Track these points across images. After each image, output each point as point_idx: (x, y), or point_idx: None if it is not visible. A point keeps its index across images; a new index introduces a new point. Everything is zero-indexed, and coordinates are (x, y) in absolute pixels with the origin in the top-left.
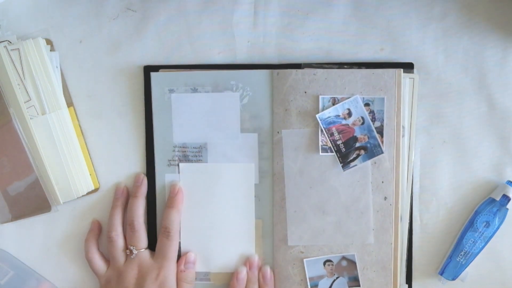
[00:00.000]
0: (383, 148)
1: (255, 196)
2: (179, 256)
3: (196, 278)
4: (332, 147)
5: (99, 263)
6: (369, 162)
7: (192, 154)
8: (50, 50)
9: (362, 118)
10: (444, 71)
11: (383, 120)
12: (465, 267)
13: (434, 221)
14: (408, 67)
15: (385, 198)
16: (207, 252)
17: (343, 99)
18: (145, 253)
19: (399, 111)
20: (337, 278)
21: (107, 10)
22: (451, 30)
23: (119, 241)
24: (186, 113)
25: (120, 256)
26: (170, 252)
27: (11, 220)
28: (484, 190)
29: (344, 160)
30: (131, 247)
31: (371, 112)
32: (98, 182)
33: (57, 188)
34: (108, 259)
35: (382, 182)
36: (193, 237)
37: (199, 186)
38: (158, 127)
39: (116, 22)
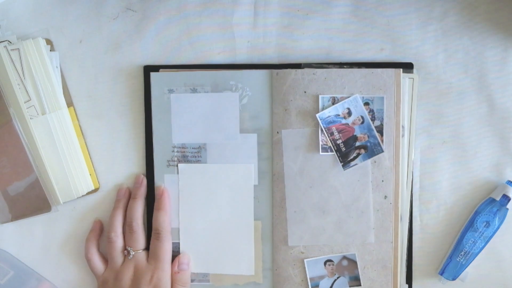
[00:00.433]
0: (383, 147)
1: (254, 197)
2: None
3: (195, 279)
4: (332, 146)
5: (98, 263)
6: (369, 161)
7: (191, 154)
8: (50, 50)
9: (362, 117)
10: (444, 71)
11: (382, 119)
12: (465, 267)
13: (434, 221)
14: (408, 67)
15: (385, 197)
16: (206, 253)
17: (342, 98)
18: (142, 255)
19: (398, 110)
20: (338, 278)
21: (107, 10)
22: (451, 30)
23: (118, 242)
24: (186, 113)
25: (118, 257)
26: (162, 253)
27: (11, 220)
28: (484, 190)
29: (344, 159)
30: (129, 248)
31: (371, 111)
32: (98, 182)
33: (57, 188)
34: (107, 259)
35: (382, 181)
36: (192, 238)
37: (198, 187)
38: (157, 128)
39: (116, 22)
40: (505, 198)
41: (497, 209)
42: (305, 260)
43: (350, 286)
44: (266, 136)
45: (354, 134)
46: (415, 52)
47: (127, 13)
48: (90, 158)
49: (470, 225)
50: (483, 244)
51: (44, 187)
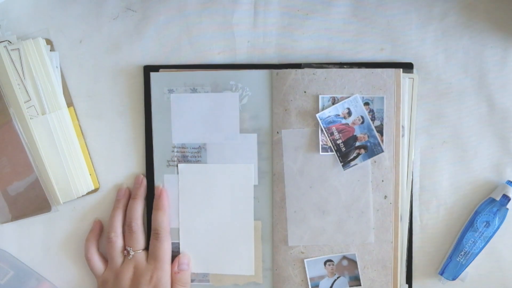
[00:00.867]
0: (383, 147)
1: (254, 197)
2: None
3: (195, 280)
4: (332, 146)
5: (97, 263)
6: (369, 161)
7: (191, 154)
8: (50, 50)
9: (362, 117)
10: (444, 71)
11: (383, 119)
12: (465, 267)
13: (434, 221)
14: (408, 67)
15: (385, 197)
16: (206, 254)
17: (342, 98)
18: (141, 255)
19: (398, 110)
20: (338, 278)
21: (107, 10)
22: (451, 30)
23: (118, 242)
24: (186, 113)
25: (117, 257)
26: (161, 253)
27: (11, 220)
28: (484, 190)
29: (344, 159)
30: (128, 248)
31: (371, 111)
32: (98, 182)
33: (57, 188)
34: (107, 259)
35: (382, 181)
36: (192, 238)
37: (198, 187)
38: (157, 128)
39: (116, 22)
40: (505, 198)
41: (497, 209)
42: (305, 260)
43: (350, 286)
44: (266, 136)
45: (354, 134)
46: (415, 52)
47: (127, 13)
48: (90, 158)
49: (470, 225)
50: (483, 244)
51: (44, 187)
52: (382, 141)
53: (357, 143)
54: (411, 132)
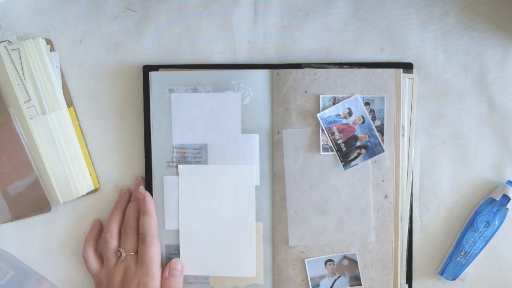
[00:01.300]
0: (384, 147)
1: (255, 198)
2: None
3: (195, 282)
4: (332, 146)
5: (93, 263)
6: (369, 161)
7: (191, 155)
8: (50, 50)
9: (363, 117)
10: (444, 71)
11: (383, 119)
12: (465, 267)
13: (434, 221)
14: (408, 67)
15: (386, 196)
16: (206, 256)
17: (343, 98)
18: (133, 258)
19: (398, 110)
20: (338, 277)
21: (107, 10)
22: (451, 30)
23: (112, 243)
24: (186, 113)
25: (111, 258)
26: (147, 259)
27: (11, 220)
28: (484, 190)
29: (345, 159)
30: (121, 250)
31: (371, 111)
32: (98, 182)
33: (57, 188)
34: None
35: (383, 180)
36: (192, 240)
37: (198, 189)
38: (156, 128)
39: (116, 22)
40: (505, 198)
41: (497, 209)
42: (305, 260)
43: (350, 286)
44: (267, 137)
45: (355, 134)
46: (415, 52)
47: (127, 13)
48: (90, 158)
49: (470, 225)
50: (483, 244)
51: (44, 187)
52: (383, 141)
53: (358, 143)
54: (411, 132)
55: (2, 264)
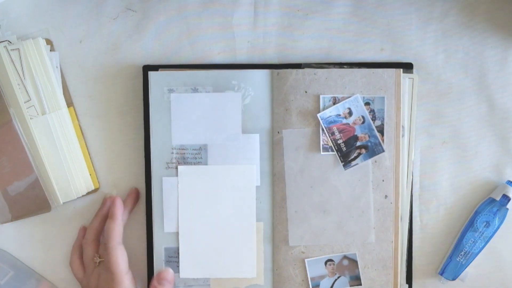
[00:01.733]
0: (384, 147)
1: (256, 198)
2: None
3: (195, 285)
4: (333, 146)
5: (78, 270)
6: (369, 160)
7: (191, 156)
8: (50, 50)
9: (363, 117)
10: (444, 71)
11: (383, 119)
12: (465, 267)
13: (434, 221)
14: (408, 67)
15: (386, 196)
16: (206, 258)
17: (343, 98)
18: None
19: (398, 110)
20: (338, 277)
21: (107, 10)
22: (451, 30)
23: (88, 250)
24: (186, 113)
25: (88, 264)
26: (111, 265)
27: (11, 220)
28: (484, 190)
29: (345, 159)
30: (96, 255)
31: (372, 111)
32: (98, 182)
33: (57, 188)
34: None
35: (383, 180)
36: (192, 242)
37: (198, 189)
38: (156, 128)
39: (116, 22)
40: (505, 198)
41: (497, 209)
42: (305, 260)
43: (350, 286)
44: (267, 137)
45: (355, 134)
46: (415, 52)
47: (127, 13)
48: (90, 158)
49: (470, 225)
50: (483, 244)
51: (44, 187)
52: (383, 141)
53: (358, 143)
54: (411, 132)
55: (2, 264)
